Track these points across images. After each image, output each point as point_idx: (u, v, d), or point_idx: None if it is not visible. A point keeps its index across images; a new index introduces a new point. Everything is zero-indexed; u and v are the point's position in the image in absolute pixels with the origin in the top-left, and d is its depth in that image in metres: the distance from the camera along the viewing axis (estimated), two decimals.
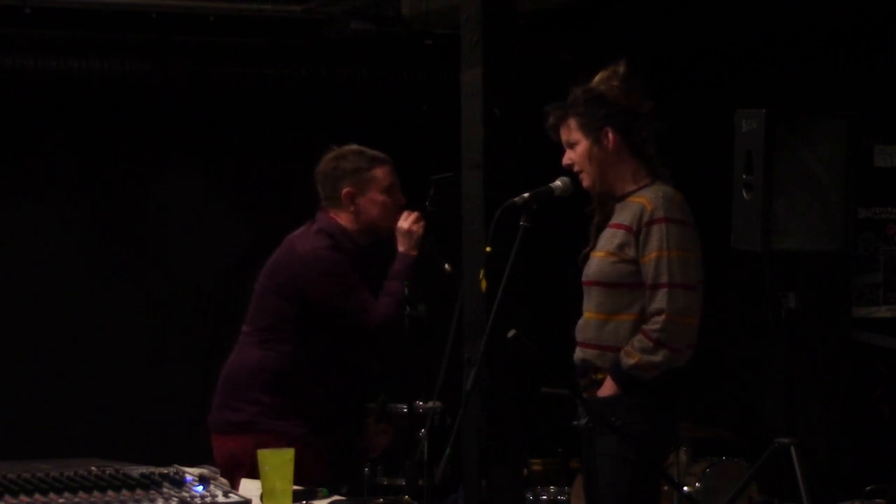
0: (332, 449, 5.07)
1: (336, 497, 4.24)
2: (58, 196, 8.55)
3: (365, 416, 5.29)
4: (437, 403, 7.04)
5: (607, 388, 4.51)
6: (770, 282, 5.02)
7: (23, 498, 3.17)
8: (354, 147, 5.22)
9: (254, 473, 3.83)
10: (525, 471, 6.61)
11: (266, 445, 4.52)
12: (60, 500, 3.19)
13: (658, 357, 4.42)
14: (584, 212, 4.77)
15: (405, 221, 5.09)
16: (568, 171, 4.68)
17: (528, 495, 6.95)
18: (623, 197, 4.61)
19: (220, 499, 3.28)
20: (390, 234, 5.12)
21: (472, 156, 5.36)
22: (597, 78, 4.68)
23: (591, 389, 4.56)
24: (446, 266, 5.13)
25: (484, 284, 5.06)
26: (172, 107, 8.51)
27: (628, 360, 4.45)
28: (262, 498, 3.67)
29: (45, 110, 8.37)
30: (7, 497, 3.17)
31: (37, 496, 3.19)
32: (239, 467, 4.61)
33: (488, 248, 4.70)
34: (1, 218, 8.43)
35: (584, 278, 4.66)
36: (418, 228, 5.11)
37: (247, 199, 8.70)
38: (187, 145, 8.72)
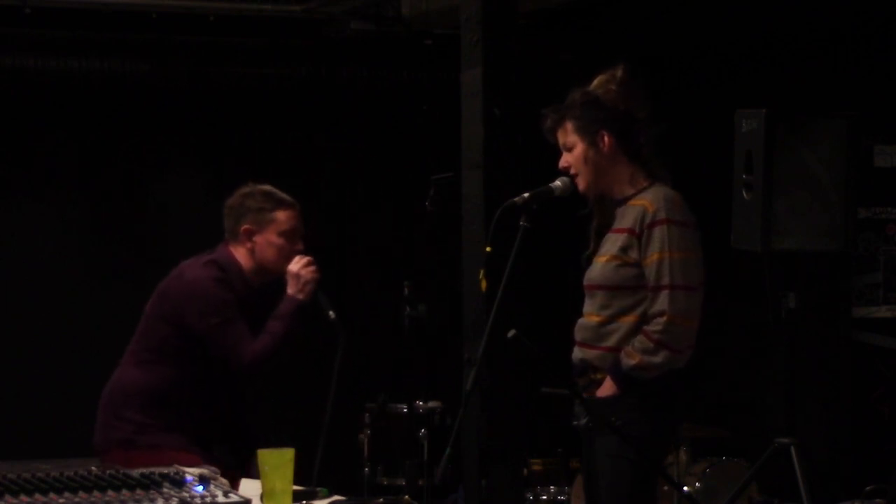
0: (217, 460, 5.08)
1: (336, 497, 4.25)
2: (58, 196, 8.55)
3: (255, 446, 5.28)
4: (437, 403, 7.07)
5: (607, 389, 4.51)
6: (770, 282, 5.02)
7: (23, 498, 3.17)
8: (266, 188, 5.26)
9: None
10: (525, 471, 6.61)
11: (149, 460, 4.53)
12: (60, 500, 3.19)
13: (659, 358, 4.43)
14: (578, 214, 4.76)
15: (295, 265, 5.12)
16: (564, 173, 4.68)
17: (528, 495, 6.95)
18: (623, 201, 4.62)
19: (220, 499, 3.28)
20: (282, 276, 5.14)
21: (472, 156, 5.36)
22: (595, 81, 4.68)
23: (590, 389, 4.56)
24: (331, 314, 5.17)
25: (484, 284, 5.06)
26: (172, 107, 8.51)
27: (629, 361, 4.45)
28: (262, 498, 3.67)
29: (45, 110, 8.36)
30: (7, 497, 3.17)
31: (37, 496, 3.19)
32: None
33: (488, 248, 4.70)
34: (1, 218, 8.43)
35: (586, 282, 4.66)
36: (307, 273, 5.13)
37: None
38: (187, 145, 8.72)
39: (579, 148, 4.63)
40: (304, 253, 5.20)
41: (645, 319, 4.48)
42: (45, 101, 8.33)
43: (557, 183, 4.62)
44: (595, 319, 4.58)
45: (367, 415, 7.07)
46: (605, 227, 4.68)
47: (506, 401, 5.19)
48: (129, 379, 5.14)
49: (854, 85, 7.26)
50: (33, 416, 8.13)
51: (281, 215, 5.18)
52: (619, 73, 4.66)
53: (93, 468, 3.35)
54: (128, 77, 8.19)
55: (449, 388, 6.01)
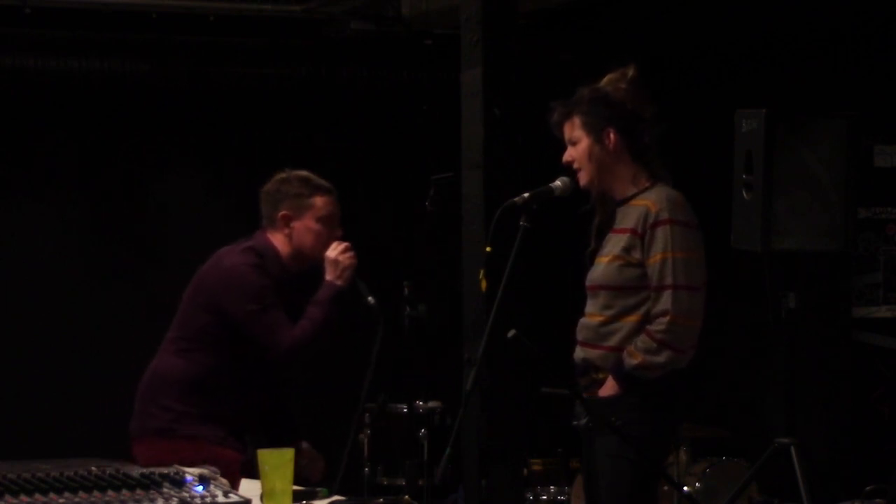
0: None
1: (336, 497, 4.24)
2: (58, 196, 8.55)
3: (296, 435, 5.26)
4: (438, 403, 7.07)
5: (608, 388, 4.51)
6: (770, 282, 5.02)
7: (23, 498, 3.17)
8: (303, 173, 5.24)
9: None
10: (525, 471, 6.61)
11: (183, 450, 4.52)
12: (60, 500, 3.18)
13: (661, 358, 4.43)
14: (580, 211, 4.76)
15: (333, 251, 5.09)
16: (567, 168, 4.68)
17: (528, 495, 6.96)
18: (624, 201, 4.62)
19: (220, 499, 3.28)
20: (320, 262, 5.11)
21: (472, 156, 5.37)
22: (605, 79, 4.68)
23: (592, 389, 4.56)
24: (370, 299, 5.14)
25: (484, 284, 5.06)
26: (172, 107, 8.51)
27: (631, 361, 4.45)
28: (262, 498, 3.67)
29: (45, 110, 8.36)
30: (7, 497, 3.17)
31: (37, 496, 3.19)
32: None
33: (488, 248, 4.70)
34: (1, 218, 8.43)
35: (588, 282, 4.66)
36: (346, 259, 5.09)
37: (247, 199, 8.67)
38: (187, 145, 8.72)
39: (584, 143, 4.63)
40: (342, 239, 5.17)
41: (647, 319, 4.49)
42: (45, 101, 8.32)
43: (557, 183, 4.62)
44: (597, 319, 4.58)
45: (367, 415, 7.07)
46: (606, 226, 4.68)
47: (506, 401, 5.20)
48: (167, 367, 5.11)
49: (854, 85, 7.26)
50: (33, 416, 8.12)
51: (319, 201, 5.16)
52: (631, 71, 4.66)
53: (93, 468, 3.35)
54: (128, 77, 8.19)
55: (449, 388, 6.01)
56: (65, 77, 8.07)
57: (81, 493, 3.23)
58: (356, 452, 7.05)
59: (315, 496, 4.16)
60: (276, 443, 5.07)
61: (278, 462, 3.68)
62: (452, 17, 6.05)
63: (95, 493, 3.24)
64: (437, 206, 6.35)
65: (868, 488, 5.29)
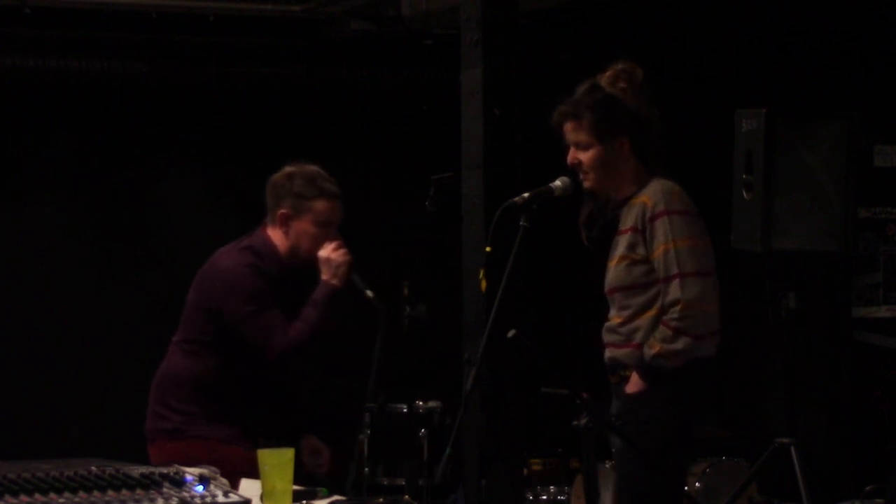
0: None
1: (336, 497, 4.24)
2: (58, 196, 8.55)
3: (300, 432, 5.24)
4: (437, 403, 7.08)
5: (634, 384, 4.50)
6: (770, 282, 5.02)
7: (23, 498, 3.17)
8: (312, 170, 5.13)
9: None
10: (525, 471, 6.61)
11: (196, 451, 4.50)
12: (60, 500, 3.18)
13: (679, 345, 4.42)
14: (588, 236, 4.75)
15: (325, 250, 5.02)
16: (571, 169, 4.64)
17: (528, 495, 6.95)
18: (625, 201, 4.61)
19: (220, 499, 3.28)
20: (314, 261, 5.06)
21: (472, 156, 5.37)
22: (604, 77, 4.64)
23: (622, 386, 4.55)
24: (368, 293, 5.08)
25: (484, 284, 5.06)
26: (172, 107, 8.51)
27: (650, 352, 4.45)
28: (262, 498, 3.67)
29: (45, 110, 8.36)
30: (7, 497, 3.16)
31: (37, 496, 3.19)
32: None
33: (488, 248, 4.70)
34: (1, 218, 8.43)
35: (605, 288, 4.65)
36: (338, 256, 5.00)
37: (247, 199, 8.68)
38: (187, 145, 8.72)
39: (595, 150, 4.59)
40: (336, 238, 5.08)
41: (663, 312, 4.48)
42: (45, 101, 8.32)
43: (557, 183, 4.61)
44: (617, 321, 4.59)
45: (367, 415, 7.07)
46: (595, 218, 4.67)
47: (506, 401, 5.20)
48: (175, 368, 5.09)
49: (854, 85, 7.26)
50: (33, 416, 8.12)
51: (320, 205, 5.05)
52: (639, 73, 4.64)
53: (93, 468, 3.35)
54: (128, 77, 8.19)
55: (449, 388, 6.02)
56: (65, 77, 8.07)
57: (81, 493, 3.22)
58: (355, 451, 7.06)
59: (315, 496, 4.16)
60: (286, 439, 5.08)
61: (278, 462, 3.68)
62: (452, 17, 6.06)
63: (95, 493, 3.24)
64: (437, 206, 6.35)
65: (868, 488, 5.29)
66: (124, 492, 3.26)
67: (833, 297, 7.50)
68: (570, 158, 4.63)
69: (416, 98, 8.72)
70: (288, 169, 5.14)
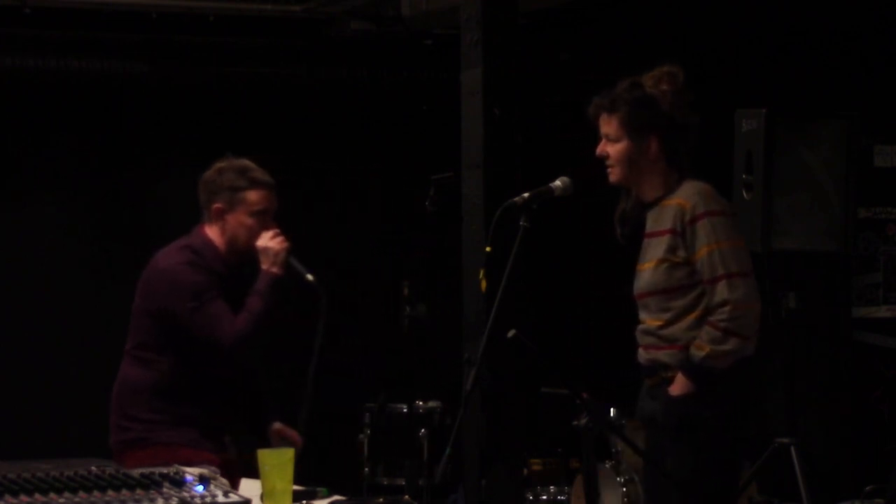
0: (235, 447, 5.04)
1: (336, 497, 4.25)
2: (58, 196, 8.55)
3: (266, 422, 5.22)
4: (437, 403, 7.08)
5: (679, 386, 4.47)
6: (770, 282, 5.02)
7: (23, 498, 3.17)
8: (242, 163, 5.13)
9: None
10: (525, 471, 6.61)
11: (161, 458, 4.47)
12: (60, 500, 3.18)
13: (728, 346, 4.41)
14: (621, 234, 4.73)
15: (262, 239, 5.01)
16: (599, 160, 4.62)
17: (528, 495, 6.96)
18: (655, 202, 4.58)
19: (220, 499, 3.28)
20: (255, 254, 5.06)
21: (472, 156, 5.38)
22: (648, 76, 4.64)
23: (661, 388, 4.53)
24: (309, 277, 5.06)
25: (484, 284, 5.06)
26: (172, 107, 8.51)
27: (699, 353, 4.43)
28: (262, 498, 3.67)
29: (45, 110, 8.36)
30: (7, 497, 3.17)
31: (37, 496, 3.19)
32: None
33: (488, 248, 4.70)
34: (1, 218, 8.43)
35: (636, 292, 4.62)
36: (276, 244, 4.98)
37: None
38: (187, 145, 8.72)
39: (624, 144, 4.58)
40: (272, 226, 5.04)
41: (708, 313, 4.46)
42: (45, 101, 8.32)
43: (557, 183, 4.60)
44: (657, 323, 4.53)
45: (367, 415, 7.08)
46: (629, 217, 4.65)
47: (506, 401, 5.20)
48: (131, 377, 5.09)
49: (854, 85, 7.26)
50: (33, 416, 8.12)
51: (253, 196, 5.05)
52: (681, 76, 4.64)
53: (93, 468, 3.35)
54: (128, 77, 8.19)
55: (449, 388, 6.01)
56: (65, 77, 8.07)
57: (81, 493, 3.23)
58: (356, 453, 7.05)
59: (315, 496, 4.16)
60: (252, 433, 5.07)
61: (278, 462, 3.68)
62: (452, 17, 6.06)
63: (95, 493, 3.24)
64: (437, 206, 6.35)
65: (868, 488, 5.30)
66: (124, 492, 3.26)
67: (833, 297, 7.51)
68: (599, 149, 4.62)
69: (416, 98, 8.72)
70: (219, 164, 5.15)
